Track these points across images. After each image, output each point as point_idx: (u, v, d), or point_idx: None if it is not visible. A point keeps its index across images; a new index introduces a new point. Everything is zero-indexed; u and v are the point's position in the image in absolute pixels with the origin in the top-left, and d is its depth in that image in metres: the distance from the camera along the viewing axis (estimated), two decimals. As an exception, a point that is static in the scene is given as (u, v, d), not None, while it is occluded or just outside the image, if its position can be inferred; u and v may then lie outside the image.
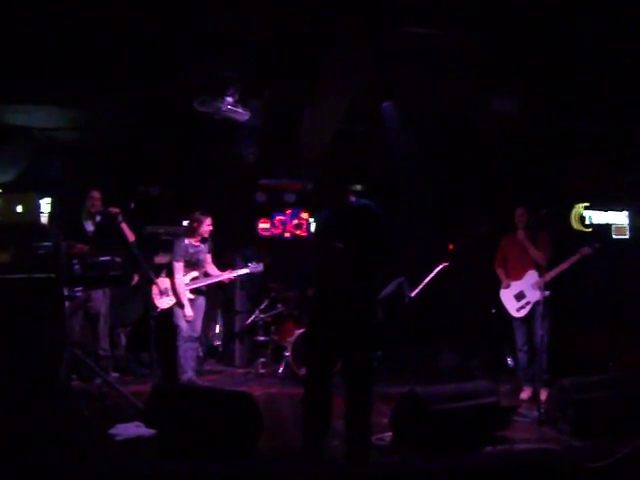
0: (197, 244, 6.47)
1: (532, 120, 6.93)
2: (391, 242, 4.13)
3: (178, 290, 6.30)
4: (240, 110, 6.30)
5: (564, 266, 5.87)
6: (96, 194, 6.38)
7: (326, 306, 4.20)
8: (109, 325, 6.51)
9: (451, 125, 7.33)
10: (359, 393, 4.09)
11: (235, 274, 6.82)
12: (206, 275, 6.63)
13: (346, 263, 4.05)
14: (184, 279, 6.36)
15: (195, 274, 6.46)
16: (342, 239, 4.01)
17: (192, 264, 6.45)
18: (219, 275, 6.63)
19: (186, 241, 6.43)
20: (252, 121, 6.79)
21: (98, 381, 5.72)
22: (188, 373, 6.19)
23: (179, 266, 6.35)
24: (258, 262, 7.02)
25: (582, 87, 6.16)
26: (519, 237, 6.16)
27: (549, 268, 5.79)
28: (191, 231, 6.47)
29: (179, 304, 6.30)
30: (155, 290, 6.40)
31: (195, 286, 6.41)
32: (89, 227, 6.35)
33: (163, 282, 6.45)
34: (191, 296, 6.36)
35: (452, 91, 6.36)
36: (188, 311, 6.25)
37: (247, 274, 6.96)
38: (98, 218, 6.35)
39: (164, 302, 6.39)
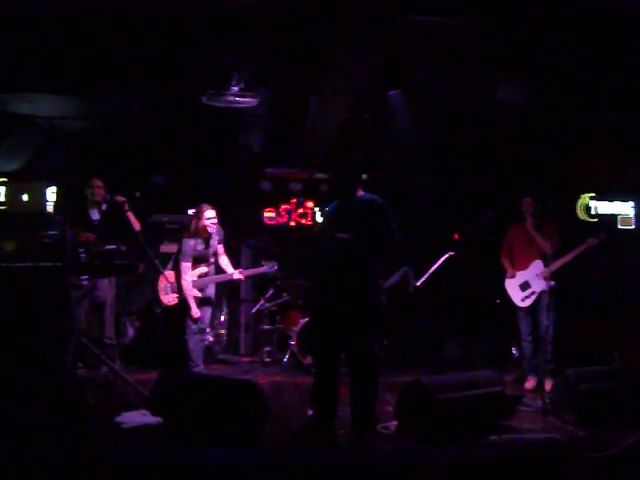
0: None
1: (538, 110, 6.89)
2: (395, 236, 4.15)
3: (185, 292, 6.09)
4: (247, 99, 6.25)
5: (570, 256, 5.86)
6: (98, 182, 6.26)
7: (328, 295, 4.27)
8: (115, 314, 6.52)
9: (458, 114, 7.29)
10: (363, 381, 4.15)
11: (248, 273, 6.63)
12: (218, 270, 6.43)
13: (349, 254, 4.10)
14: (193, 273, 6.13)
15: (204, 269, 6.22)
16: (347, 231, 4.09)
17: (201, 260, 6.23)
18: (231, 274, 6.36)
19: (193, 240, 6.16)
20: (258, 110, 6.76)
21: (104, 369, 5.75)
22: (200, 366, 6.12)
23: (187, 266, 6.11)
24: (267, 251, 6.88)
25: (588, 77, 6.12)
26: (527, 226, 6.13)
27: (555, 258, 5.79)
28: (194, 233, 6.18)
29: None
30: (161, 285, 6.30)
31: (203, 282, 6.20)
32: (95, 216, 6.31)
33: (171, 276, 6.28)
34: (198, 294, 6.13)
35: (459, 80, 6.33)
36: (195, 311, 6.06)
37: (261, 273, 6.74)
38: (104, 206, 6.31)
39: (169, 298, 6.27)
